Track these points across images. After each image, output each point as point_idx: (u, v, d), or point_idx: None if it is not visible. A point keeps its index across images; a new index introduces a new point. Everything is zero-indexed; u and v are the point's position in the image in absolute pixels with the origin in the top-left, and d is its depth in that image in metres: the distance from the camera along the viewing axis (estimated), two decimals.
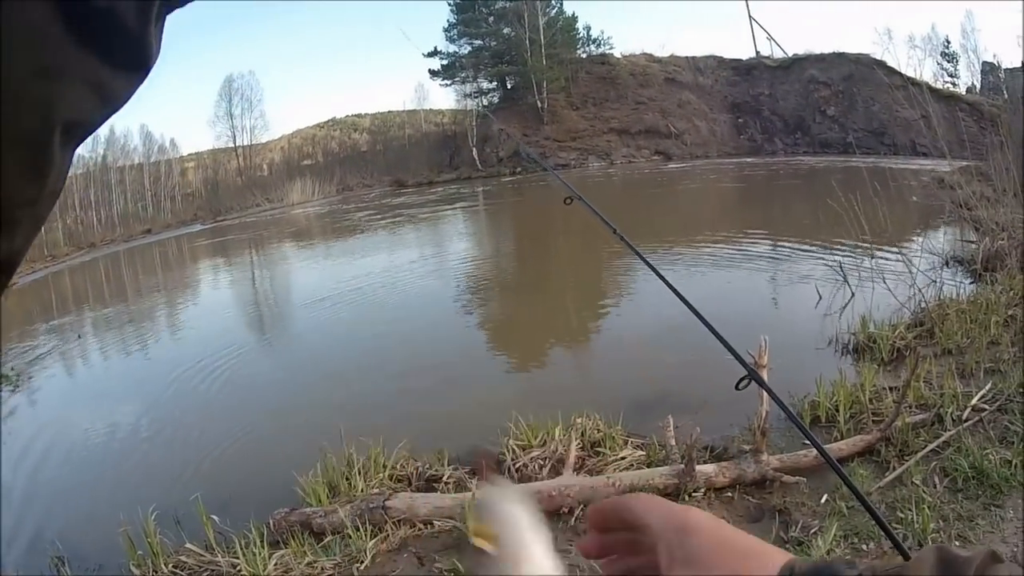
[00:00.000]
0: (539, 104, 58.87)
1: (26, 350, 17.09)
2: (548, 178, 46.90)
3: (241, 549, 5.92)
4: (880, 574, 0.77)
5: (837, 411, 7.54)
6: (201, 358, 14.12)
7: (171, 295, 24.22)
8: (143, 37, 0.64)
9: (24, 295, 26.67)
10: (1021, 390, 7.37)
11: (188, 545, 6.28)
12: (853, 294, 12.14)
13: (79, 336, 18.57)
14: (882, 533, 5.24)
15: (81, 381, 14.71)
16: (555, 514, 6.27)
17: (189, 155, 66.67)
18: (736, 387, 2.74)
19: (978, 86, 48.81)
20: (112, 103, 0.66)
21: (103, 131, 57.49)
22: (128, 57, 0.64)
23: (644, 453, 7.21)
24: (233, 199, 57.88)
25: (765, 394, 6.54)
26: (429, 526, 6.24)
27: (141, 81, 0.67)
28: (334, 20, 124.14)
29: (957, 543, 5.08)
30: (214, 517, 6.50)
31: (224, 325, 18.06)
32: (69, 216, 50.79)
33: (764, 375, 6.48)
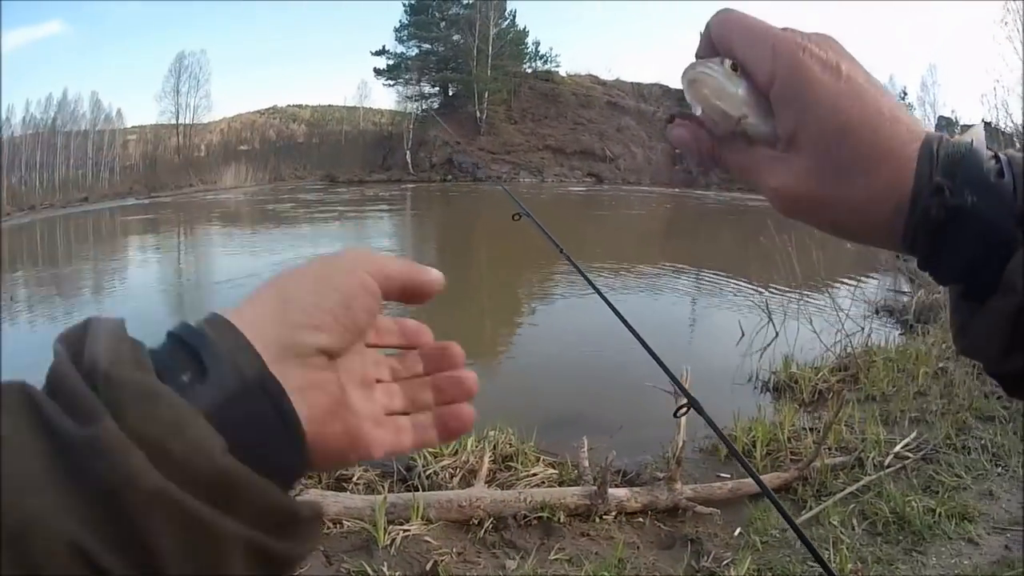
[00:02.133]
0: (478, 114, 59.45)
1: None
2: (478, 188, 47.09)
3: None
4: (1018, 167, 0.73)
5: (754, 447, 7.50)
6: None
7: (100, 268, 24.14)
8: None
9: None
10: (948, 440, 7.36)
11: None
12: (777, 334, 12.17)
13: (11, 298, 18.48)
14: (798, 570, 5.16)
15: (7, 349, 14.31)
16: (464, 524, 6.18)
17: (133, 127, 66.57)
18: (675, 415, 2.73)
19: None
20: None
21: (56, 93, 57.06)
22: None
23: (556, 472, 7.14)
24: (169, 177, 57.96)
25: (682, 424, 6.55)
26: (338, 525, 6.06)
27: None
28: (290, 7, 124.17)
29: None
30: None
31: (145, 304, 18.05)
32: (14, 175, 50.31)
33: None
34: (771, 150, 0.81)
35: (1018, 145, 18.34)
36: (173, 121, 64.87)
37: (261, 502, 0.61)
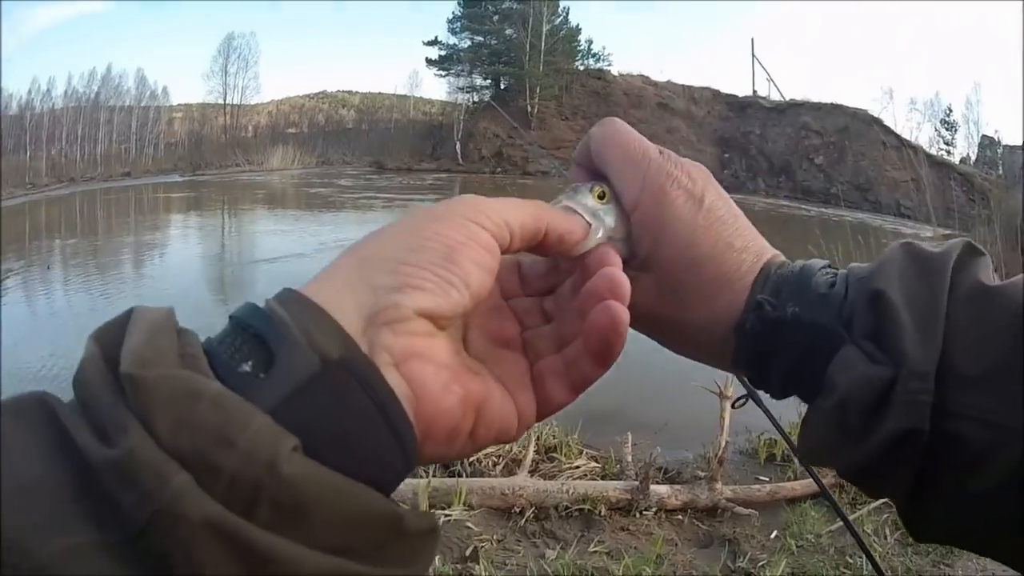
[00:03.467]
0: (529, 108, 58.50)
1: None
2: (527, 182, 46.85)
3: None
4: (854, 276, 0.76)
5: (793, 451, 7.40)
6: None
7: (140, 241, 23.82)
8: None
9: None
10: None
11: None
12: None
13: (48, 267, 18.34)
14: (832, 574, 5.27)
15: (41, 314, 14.36)
16: (506, 512, 6.23)
17: (179, 105, 65.90)
18: (732, 405, 2.78)
19: (973, 158, 48.98)
20: None
21: (100, 68, 56.88)
22: None
23: (599, 465, 7.19)
24: (214, 155, 57.38)
25: (726, 424, 6.58)
26: None
27: None
28: None
29: None
30: None
31: (184, 281, 17.63)
32: (55, 147, 50.11)
33: (727, 405, 6.52)
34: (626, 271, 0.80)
35: None
36: (220, 101, 64.21)
37: (352, 515, 0.50)
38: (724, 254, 0.81)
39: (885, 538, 5.96)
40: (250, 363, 0.53)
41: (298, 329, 0.54)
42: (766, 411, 2.68)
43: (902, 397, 0.65)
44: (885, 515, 6.28)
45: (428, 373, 0.58)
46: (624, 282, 0.72)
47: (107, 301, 14.85)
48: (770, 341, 0.77)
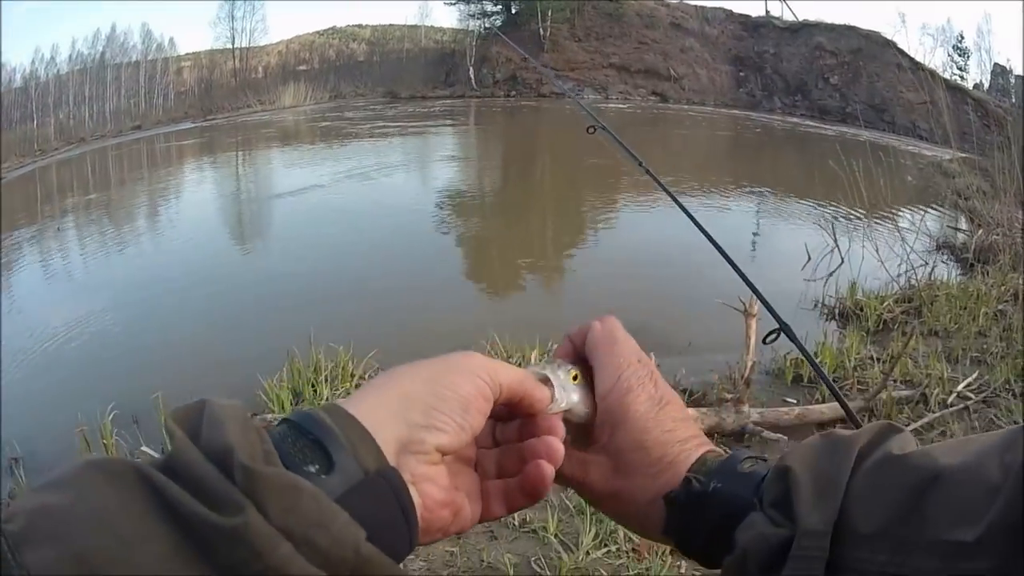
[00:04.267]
0: (541, 32, 58.05)
1: (5, 239, 16.63)
2: (542, 104, 46.60)
3: None
4: (776, 461, 0.90)
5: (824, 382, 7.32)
6: (176, 255, 14.38)
7: (153, 191, 23.69)
8: None
9: (10, 189, 25.89)
10: (1007, 386, 7.31)
11: (143, 448, 6.22)
12: (843, 260, 11.89)
13: (59, 229, 18.27)
14: None
15: (55, 275, 14.33)
16: None
17: (186, 55, 65.48)
18: (764, 341, 2.77)
19: (986, 85, 48.74)
20: None
21: (104, 28, 56.62)
22: None
23: None
24: (225, 99, 56.74)
25: (751, 345, 6.59)
26: None
27: None
28: None
29: None
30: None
31: (202, 224, 17.88)
32: (62, 111, 49.64)
33: (752, 323, 6.55)
34: (580, 451, 1.03)
35: None
36: (229, 46, 64.35)
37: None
38: (670, 443, 1.00)
39: None
40: (315, 465, 0.71)
41: (346, 441, 0.73)
42: (801, 347, 2.79)
43: (795, 553, 0.76)
44: (921, 439, 6.16)
45: (434, 494, 0.81)
46: (560, 451, 0.94)
47: (122, 257, 14.98)
48: (694, 510, 0.92)
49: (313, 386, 6.96)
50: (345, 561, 0.64)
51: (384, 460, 0.75)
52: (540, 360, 1.26)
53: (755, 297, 6.41)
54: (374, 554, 0.66)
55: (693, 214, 3.44)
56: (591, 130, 4.65)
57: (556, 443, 0.93)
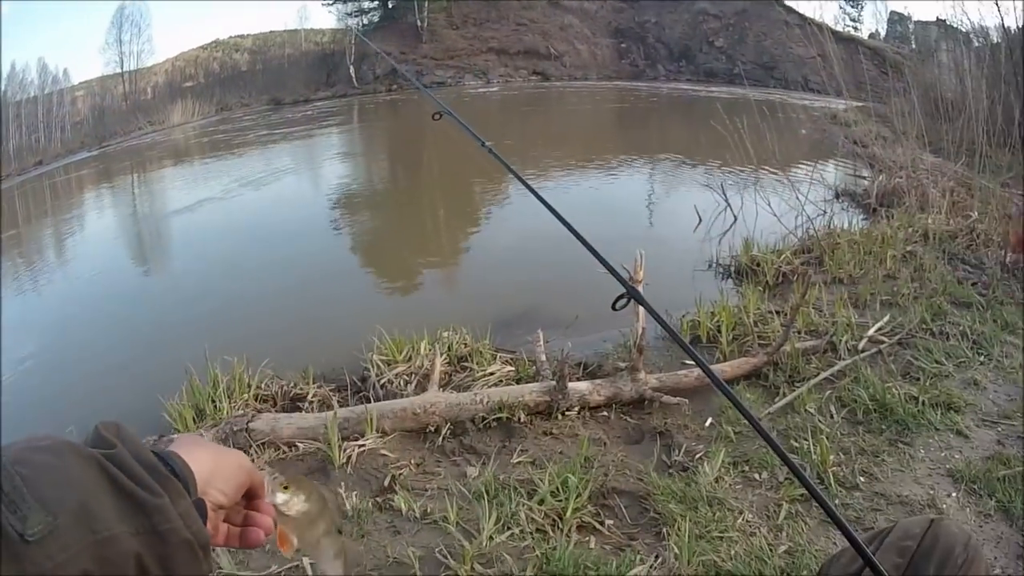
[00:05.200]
0: (419, 23, 59.13)
1: None
2: (422, 94, 47.01)
3: None
4: None
5: (719, 332, 7.18)
6: (80, 284, 14.33)
7: (57, 223, 23.52)
8: None
9: None
10: (924, 325, 7.07)
11: None
12: (736, 218, 11.90)
13: None
14: (777, 460, 4.81)
15: None
16: (421, 433, 5.91)
17: (80, 84, 66.22)
18: (613, 307, 2.61)
19: (883, 33, 49.57)
20: None
21: (4, 67, 57.11)
22: None
23: (513, 369, 6.85)
24: (118, 124, 57.33)
25: (642, 310, 6.19)
26: (293, 448, 5.80)
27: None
28: None
29: (862, 479, 4.70)
30: None
31: (103, 251, 17.67)
32: None
33: (640, 290, 6.14)
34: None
35: (975, 42, 18.28)
36: (119, 70, 64.93)
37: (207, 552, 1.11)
38: None
39: (832, 416, 5.54)
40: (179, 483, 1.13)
41: (187, 476, 1.17)
42: (650, 309, 2.71)
43: None
44: (828, 391, 5.92)
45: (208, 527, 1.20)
46: (268, 524, 1.42)
47: (38, 295, 14.56)
48: None
49: (213, 401, 6.60)
50: (197, 535, 1.07)
51: (201, 499, 1.19)
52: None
53: (639, 263, 6.14)
54: (207, 535, 1.12)
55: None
56: (436, 116, 4.62)
57: (266, 520, 1.41)
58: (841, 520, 1.90)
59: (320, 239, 15.07)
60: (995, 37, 17.27)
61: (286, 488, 1.44)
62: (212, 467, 1.26)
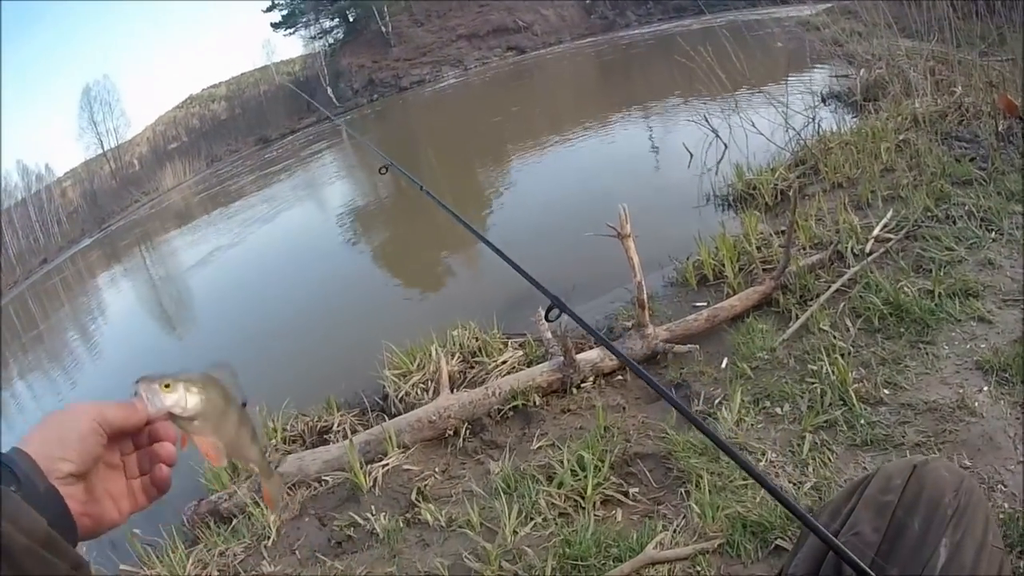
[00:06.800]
0: (384, 29, 60.26)
1: None
2: (406, 97, 46.98)
3: (158, 557, 5.56)
4: None
5: (724, 266, 7.01)
6: (113, 364, 14.72)
7: (78, 312, 24.50)
8: None
9: None
10: (928, 212, 6.81)
11: (122, 567, 5.86)
12: (726, 147, 11.65)
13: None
14: (797, 391, 4.63)
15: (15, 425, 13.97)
16: (441, 439, 5.85)
17: (65, 174, 67.66)
18: (546, 318, 2.56)
19: None
20: None
21: None
22: None
23: (523, 352, 6.74)
24: (112, 203, 58.84)
25: (635, 263, 6.04)
26: (323, 483, 5.79)
27: None
28: (172, 4, 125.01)
29: (886, 392, 4.45)
30: (136, 531, 6.00)
31: (129, 327, 18.15)
32: None
33: (630, 244, 6.06)
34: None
35: None
36: (100, 151, 65.45)
37: (71, 555, 1.03)
38: None
39: (847, 330, 5.31)
40: (15, 485, 1.08)
41: (29, 472, 1.11)
42: (575, 317, 2.55)
43: None
44: (841, 304, 5.69)
45: (73, 505, 1.16)
46: (169, 451, 1.34)
47: (72, 386, 15.05)
48: None
49: None
50: (40, 537, 0.98)
51: (49, 483, 1.13)
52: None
53: (624, 218, 5.98)
54: (54, 534, 1.01)
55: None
56: (383, 171, 4.91)
57: (165, 447, 1.34)
58: (797, 508, 1.70)
59: (324, 263, 15.31)
60: None
61: (167, 386, 1.30)
62: (43, 442, 1.17)
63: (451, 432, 5.84)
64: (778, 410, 4.68)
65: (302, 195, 27.21)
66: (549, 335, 6.60)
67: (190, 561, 5.29)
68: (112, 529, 1.28)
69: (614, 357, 5.88)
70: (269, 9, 65.83)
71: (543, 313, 2.44)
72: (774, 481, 3.94)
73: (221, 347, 11.98)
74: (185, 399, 1.30)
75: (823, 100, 13.29)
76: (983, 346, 4.66)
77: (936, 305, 5.19)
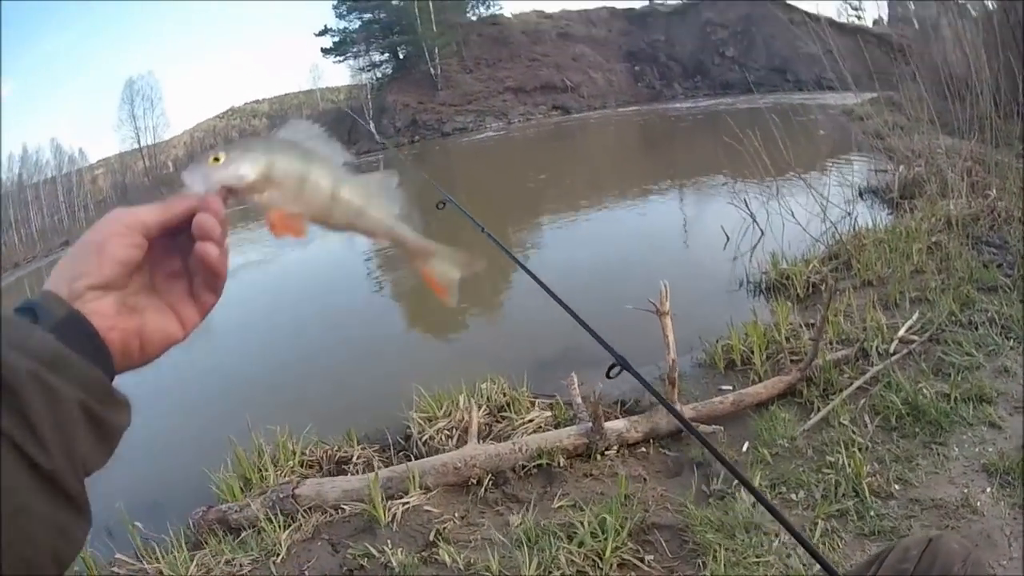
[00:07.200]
0: (432, 71, 59.98)
1: None
2: (447, 143, 46.98)
3: (161, 554, 5.70)
4: None
5: (752, 353, 7.20)
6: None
7: None
8: (82, 496, 0.94)
9: None
10: (953, 317, 7.03)
11: (118, 556, 5.99)
12: (763, 233, 11.88)
13: None
14: (812, 480, 4.85)
15: None
16: (464, 486, 5.98)
17: (98, 162, 67.03)
18: (608, 375, 2.70)
19: (885, 18, 49.48)
20: (73, 543, 0.92)
21: (16, 149, 57.47)
22: (75, 508, 0.92)
23: (551, 414, 6.88)
24: (142, 199, 57.39)
25: (671, 342, 6.26)
26: (339, 511, 5.88)
27: (86, 530, 0.95)
28: (226, 13, 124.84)
29: (897, 487, 4.67)
30: (138, 524, 6.24)
31: None
32: None
33: (668, 322, 6.29)
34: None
35: (973, 12, 18.17)
36: (136, 146, 65.18)
37: (86, 375, 0.94)
38: None
39: (865, 426, 5.52)
40: (31, 318, 0.99)
41: (46, 304, 1.02)
42: (639, 378, 2.69)
43: None
44: (862, 401, 5.90)
45: (99, 321, 1.05)
46: (207, 222, 1.13)
47: None
48: None
49: (259, 470, 6.76)
50: (46, 354, 0.90)
51: (68, 306, 1.02)
52: None
53: (664, 295, 6.19)
54: (64, 348, 0.92)
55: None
56: (440, 206, 4.65)
57: (203, 218, 1.12)
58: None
59: (353, 296, 15.40)
60: (990, 2, 17.18)
61: (217, 160, 1.17)
62: (62, 268, 1.07)
63: (474, 481, 5.94)
64: (793, 496, 4.85)
65: (326, 235, 27.28)
66: (580, 400, 6.73)
67: (193, 564, 5.44)
68: (172, 347, 1.18)
69: (639, 429, 6.10)
70: (321, 33, 65.91)
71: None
72: (785, 562, 4.16)
73: (244, 363, 12.15)
74: (240, 166, 1.17)
75: (860, 194, 13.43)
76: (991, 450, 4.91)
77: (951, 408, 5.41)
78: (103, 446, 0.99)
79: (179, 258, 1.18)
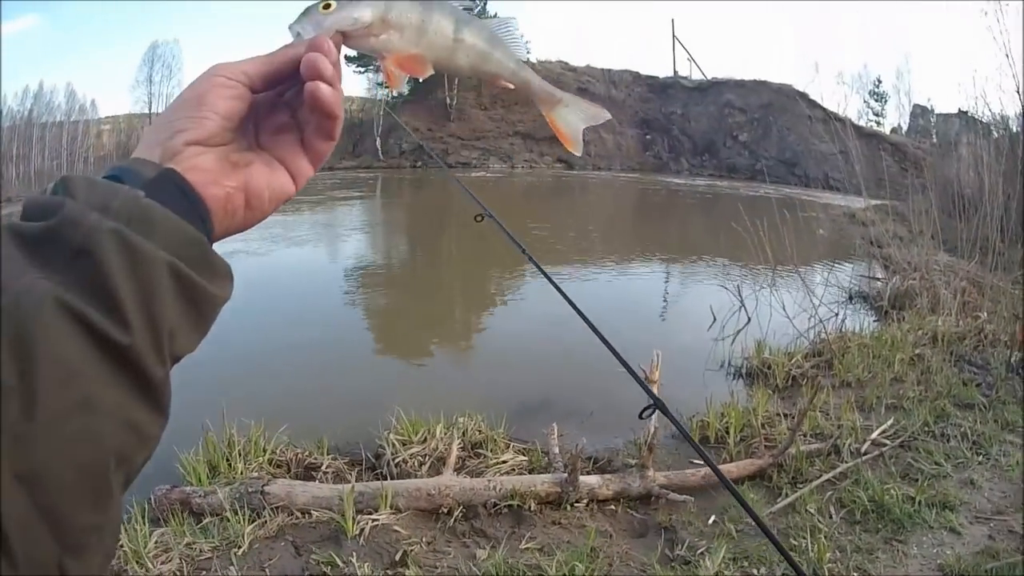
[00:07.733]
0: (448, 101, 59.35)
1: None
2: (447, 177, 47.21)
3: (123, 525, 5.41)
4: None
5: (727, 432, 7.40)
6: None
7: None
8: (164, 385, 0.81)
9: None
10: (926, 428, 7.25)
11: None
12: (749, 319, 12.04)
13: None
14: (776, 557, 5.00)
15: None
16: (434, 513, 6.06)
17: (107, 118, 65.74)
18: (640, 416, 2.73)
19: (905, 127, 49.77)
20: (146, 442, 0.80)
21: (33, 85, 56.85)
22: (153, 400, 0.80)
23: (526, 459, 7.01)
24: None
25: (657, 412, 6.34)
26: (306, 515, 5.96)
27: (163, 427, 0.82)
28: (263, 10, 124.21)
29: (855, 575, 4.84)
30: None
31: None
32: None
33: (655, 390, 6.30)
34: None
35: (995, 134, 18.28)
36: (146, 111, 64.58)
37: (177, 233, 0.83)
38: None
39: (830, 517, 5.74)
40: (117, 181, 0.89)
41: (136, 169, 0.92)
42: (675, 422, 2.78)
43: None
44: (829, 493, 6.11)
45: (198, 177, 0.95)
46: (317, 60, 1.01)
47: None
48: None
49: (228, 460, 6.81)
50: (132, 212, 0.80)
51: (158, 166, 0.93)
52: None
53: (655, 364, 6.35)
54: (153, 204, 0.83)
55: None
56: (479, 218, 4.76)
57: (313, 57, 1.02)
58: None
59: (338, 311, 15.27)
60: (1015, 126, 17.28)
61: (327, 7, 1.10)
62: (154, 129, 0.99)
63: (445, 510, 6.03)
64: (755, 571, 5.03)
65: (319, 238, 26.89)
66: (557, 450, 6.88)
67: (153, 540, 5.45)
68: (284, 202, 1.11)
69: (611, 487, 6.26)
70: None
71: (623, 397, 2.66)
72: None
73: (224, 352, 11.82)
74: (356, 8, 1.11)
75: (851, 298, 13.63)
76: (949, 552, 5.17)
77: (915, 511, 5.66)
78: (196, 321, 0.88)
79: (286, 112, 1.10)
